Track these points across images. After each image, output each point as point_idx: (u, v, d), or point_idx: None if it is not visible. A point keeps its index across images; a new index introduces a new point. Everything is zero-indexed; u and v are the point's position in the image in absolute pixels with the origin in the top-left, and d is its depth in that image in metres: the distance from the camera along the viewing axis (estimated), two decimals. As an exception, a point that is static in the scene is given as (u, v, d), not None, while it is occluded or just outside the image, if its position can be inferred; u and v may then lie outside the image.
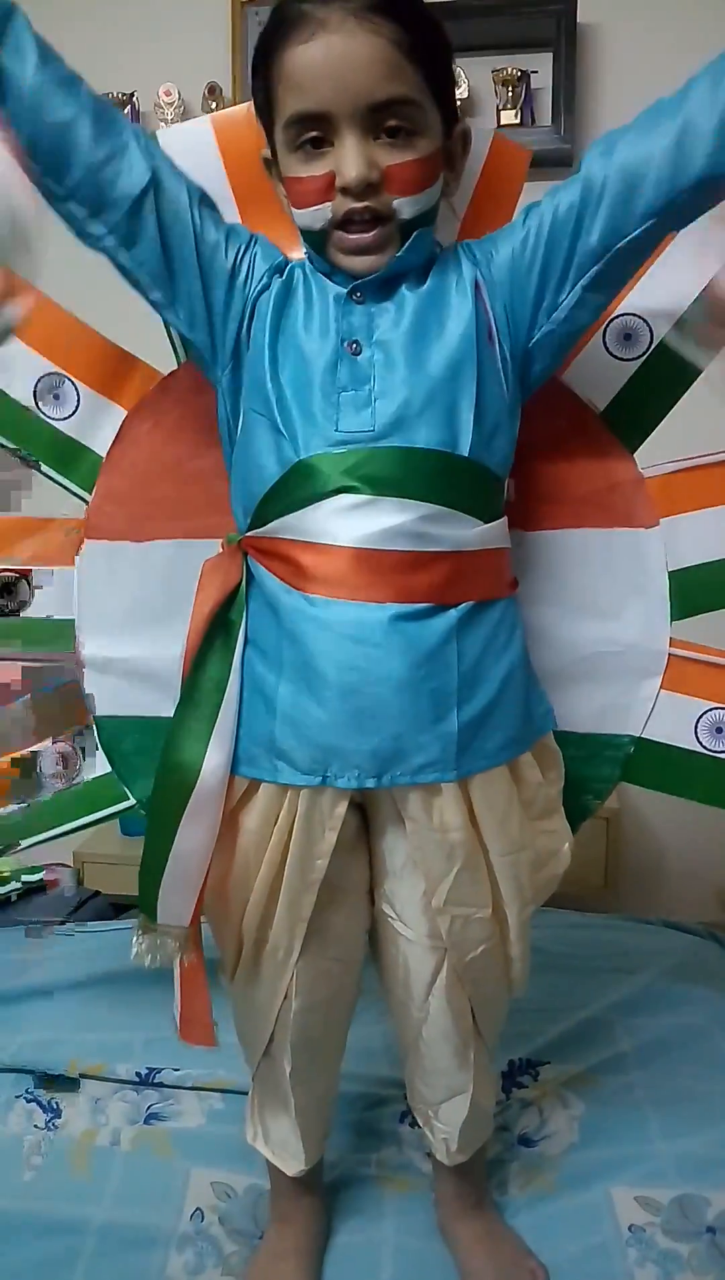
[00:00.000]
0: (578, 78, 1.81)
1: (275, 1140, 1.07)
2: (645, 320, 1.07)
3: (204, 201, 0.91)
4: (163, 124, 1.93)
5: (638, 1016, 1.42)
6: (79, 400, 1.09)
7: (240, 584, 0.91)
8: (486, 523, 0.90)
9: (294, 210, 0.89)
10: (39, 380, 1.08)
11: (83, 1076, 1.33)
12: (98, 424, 1.10)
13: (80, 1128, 1.25)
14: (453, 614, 0.87)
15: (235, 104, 1.92)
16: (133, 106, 1.94)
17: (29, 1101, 1.29)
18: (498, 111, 1.82)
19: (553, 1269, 1.05)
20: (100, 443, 1.12)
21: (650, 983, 1.50)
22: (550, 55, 1.80)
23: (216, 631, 0.91)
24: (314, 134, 0.84)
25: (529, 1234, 1.10)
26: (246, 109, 0.99)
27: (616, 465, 1.07)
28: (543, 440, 1.04)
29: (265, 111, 0.89)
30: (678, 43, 1.81)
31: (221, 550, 0.95)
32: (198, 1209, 1.12)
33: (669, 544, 1.09)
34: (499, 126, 1.82)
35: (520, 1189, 1.16)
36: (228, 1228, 1.11)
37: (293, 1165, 1.06)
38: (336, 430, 0.87)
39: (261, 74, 0.88)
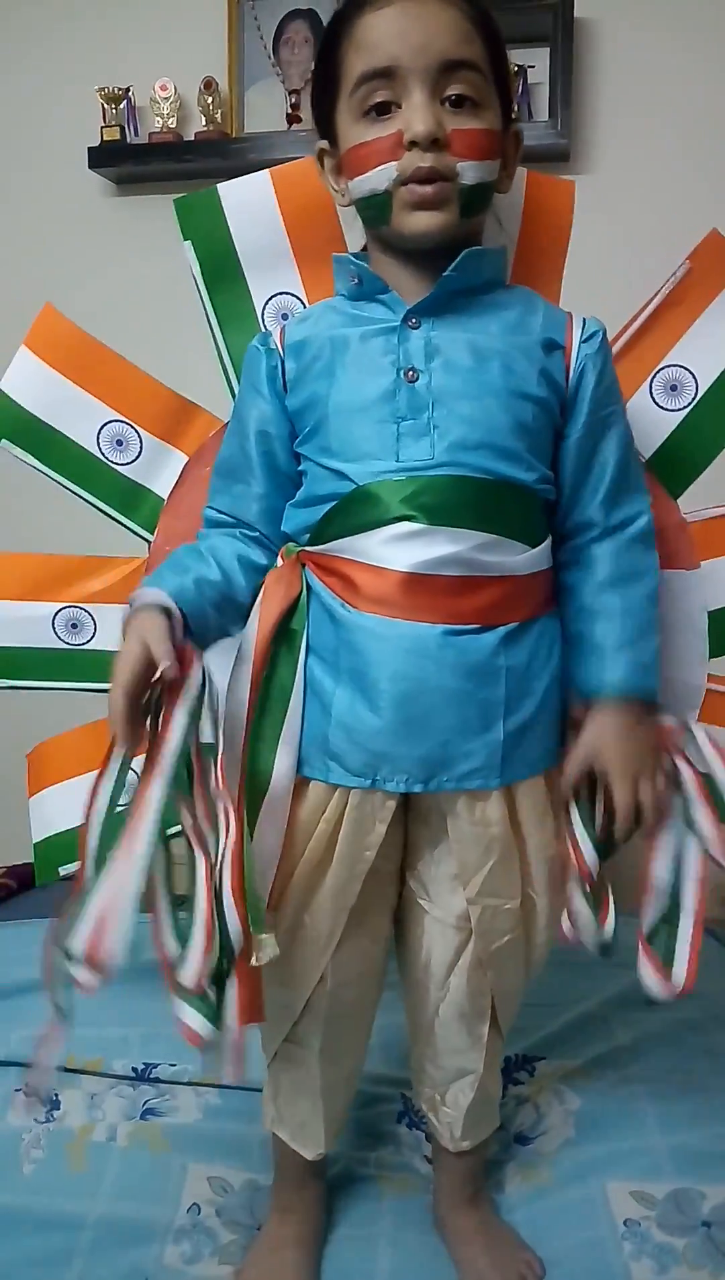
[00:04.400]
0: (575, 73, 1.80)
1: (293, 1123, 1.08)
2: (691, 371, 1.11)
3: (266, 446, 0.96)
4: (159, 118, 1.92)
5: (634, 1011, 1.42)
6: (141, 446, 1.15)
7: (301, 595, 0.93)
8: (534, 547, 0.92)
9: (354, 181, 0.89)
10: (102, 427, 1.14)
11: (80, 1072, 1.33)
12: (159, 468, 1.15)
13: (78, 1122, 1.25)
14: (500, 630, 0.89)
15: (231, 99, 1.92)
16: (129, 101, 1.93)
17: (28, 1095, 1.30)
18: (495, 106, 1.82)
19: (548, 1263, 1.06)
20: (162, 486, 1.17)
21: (646, 978, 1.50)
22: (547, 50, 1.79)
23: (281, 641, 0.93)
24: (381, 97, 0.86)
25: (525, 1228, 1.10)
26: (305, 164, 1.03)
27: (661, 510, 1.09)
28: None
29: (328, 91, 0.91)
30: (674, 38, 1.81)
31: (282, 562, 0.96)
32: (194, 1204, 1.13)
33: (710, 585, 1.14)
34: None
35: (517, 1186, 1.16)
36: (225, 1220, 1.11)
37: (312, 1148, 1.07)
38: (397, 460, 0.88)
39: (328, 50, 0.90)
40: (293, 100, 1.89)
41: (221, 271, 1.10)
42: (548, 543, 0.94)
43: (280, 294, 1.10)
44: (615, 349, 1.09)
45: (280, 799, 0.92)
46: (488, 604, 0.88)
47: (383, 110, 0.86)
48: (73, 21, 1.99)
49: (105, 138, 1.94)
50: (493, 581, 0.89)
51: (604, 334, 0.95)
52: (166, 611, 0.89)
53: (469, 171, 0.86)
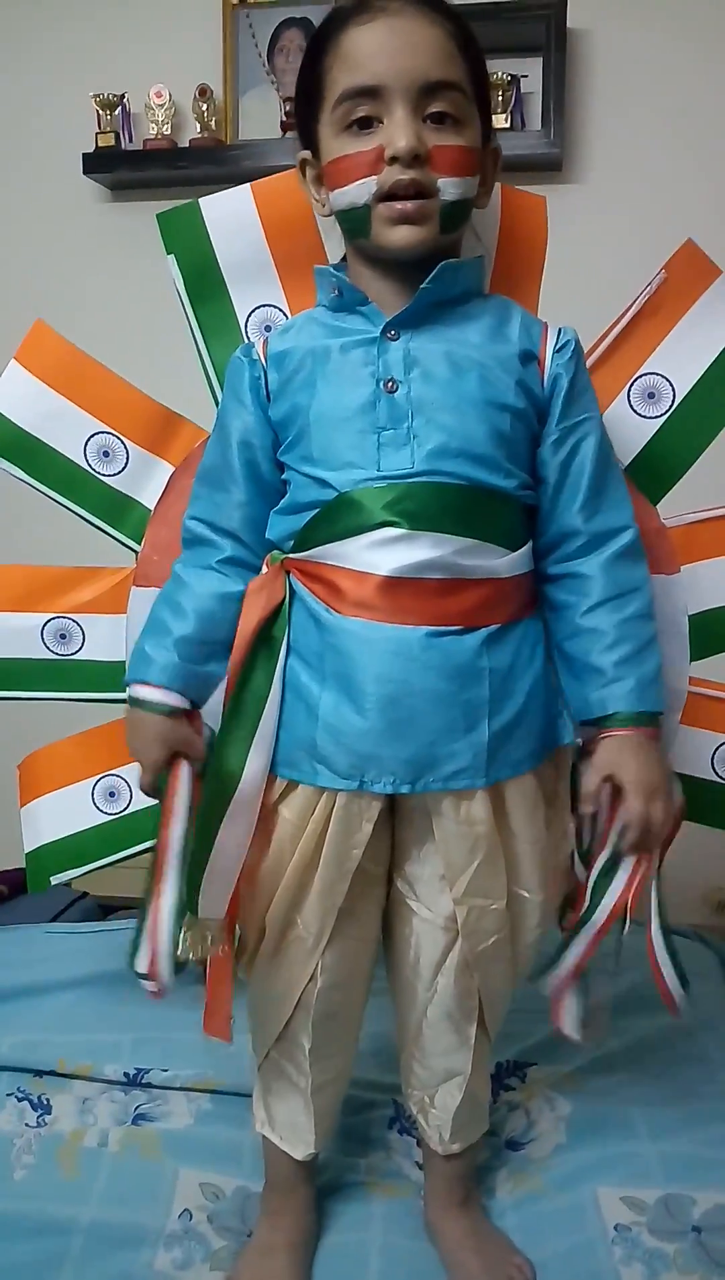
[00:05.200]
0: (567, 82, 1.82)
1: (283, 1124, 1.08)
2: (668, 379, 1.12)
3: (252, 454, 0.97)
4: (154, 125, 1.93)
5: (625, 1018, 1.42)
6: (128, 457, 1.16)
7: (283, 601, 0.94)
8: (514, 551, 0.93)
9: (335, 192, 0.91)
10: (89, 439, 1.15)
11: (71, 1077, 1.33)
12: (145, 479, 1.17)
13: (69, 1127, 1.25)
14: (482, 631, 0.91)
15: (226, 106, 1.93)
16: (124, 108, 1.94)
17: (20, 1100, 1.30)
18: (488, 115, 1.83)
19: (539, 1267, 1.06)
20: (148, 496, 1.19)
21: (637, 984, 1.50)
22: (540, 60, 1.80)
23: (260, 647, 0.94)
24: (364, 112, 0.87)
25: (515, 1233, 1.10)
26: (285, 177, 1.05)
27: (641, 516, 1.08)
28: None
29: (311, 102, 0.92)
30: (667, 47, 1.82)
31: (265, 570, 0.97)
32: (186, 1209, 1.13)
33: (690, 589, 1.15)
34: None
35: (508, 1191, 1.16)
36: (216, 1225, 1.11)
37: (301, 1149, 1.07)
38: (378, 469, 0.90)
39: (313, 62, 0.91)
40: (287, 108, 1.90)
41: (204, 284, 1.11)
42: (528, 547, 0.96)
43: (263, 306, 1.12)
44: (593, 357, 1.11)
45: (249, 800, 0.93)
46: (470, 606, 0.90)
47: (365, 125, 0.88)
48: (68, 27, 2.00)
49: (100, 144, 1.94)
50: (474, 584, 0.90)
51: (576, 343, 0.96)
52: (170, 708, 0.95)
53: (449, 188, 0.88)
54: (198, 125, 1.92)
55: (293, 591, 0.94)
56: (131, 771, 1.17)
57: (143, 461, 1.16)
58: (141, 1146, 1.22)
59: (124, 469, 1.16)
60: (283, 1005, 1.02)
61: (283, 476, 0.97)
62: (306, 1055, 1.04)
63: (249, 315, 1.12)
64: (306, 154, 0.97)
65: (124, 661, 1.17)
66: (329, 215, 0.96)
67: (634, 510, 0.99)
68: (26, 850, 1.29)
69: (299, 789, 0.95)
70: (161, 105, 1.92)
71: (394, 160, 0.86)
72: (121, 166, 1.96)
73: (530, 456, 0.95)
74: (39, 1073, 1.34)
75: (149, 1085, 1.32)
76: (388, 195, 0.88)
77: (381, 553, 0.89)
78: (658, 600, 1.05)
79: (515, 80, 1.82)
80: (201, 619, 0.96)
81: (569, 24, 1.79)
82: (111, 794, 1.25)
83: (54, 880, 1.27)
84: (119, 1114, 1.28)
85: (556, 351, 0.95)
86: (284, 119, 1.90)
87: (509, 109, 1.81)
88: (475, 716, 0.90)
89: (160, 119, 1.93)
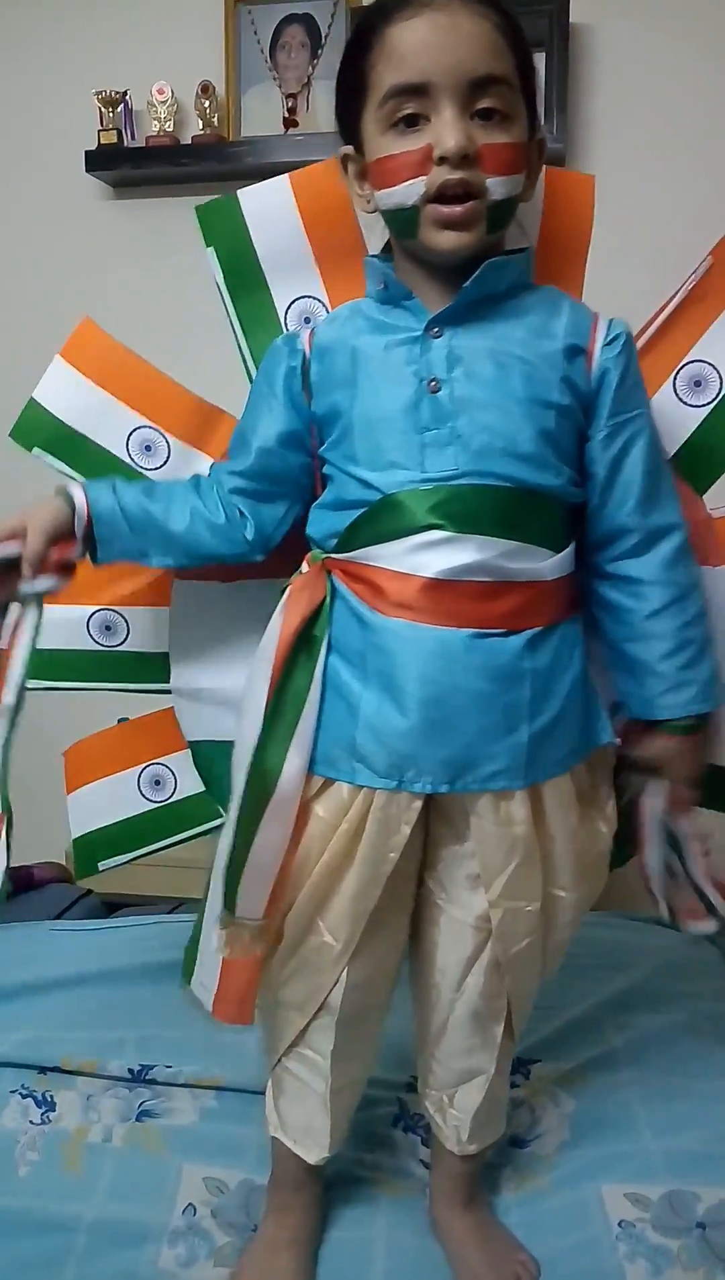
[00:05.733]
0: (570, 77, 1.81)
1: (297, 1128, 1.08)
2: (715, 367, 1.09)
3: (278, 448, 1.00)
4: (156, 122, 1.93)
5: (628, 1014, 1.42)
6: (169, 451, 1.15)
7: (324, 601, 0.94)
8: (559, 553, 0.93)
9: (382, 192, 0.90)
10: (131, 433, 1.14)
11: (76, 1073, 1.33)
12: (187, 472, 1.13)
13: (73, 1124, 1.25)
14: (525, 634, 0.90)
15: (228, 102, 1.92)
16: (126, 105, 1.94)
17: (24, 1097, 1.30)
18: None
19: (544, 1264, 1.06)
20: None
21: (640, 980, 1.50)
22: (543, 55, 1.80)
23: (302, 646, 0.94)
24: (410, 110, 0.86)
25: (520, 1230, 1.10)
26: (323, 167, 1.04)
27: (687, 507, 1.07)
28: None
29: (354, 98, 0.91)
30: (670, 42, 1.82)
31: (307, 568, 0.97)
32: (190, 1204, 1.13)
33: None
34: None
35: (512, 1188, 1.17)
36: (220, 1221, 1.11)
37: (315, 1153, 1.07)
38: (422, 470, 0.89)
39: (355, 57, 0.90)
40: (289, 104, 1.90)
41: (244, 277, 1.11)
42: (572, 548, 0.95)
43: (302, 298, 1.11)
44: (637, 346, 1.07)
45: (288, 799, 0.93)
46: (513, 609, 0.90)
47: (411, 123, 0.86)
48: (70, 25, 2.00)
49: (102, 141, 1.94)
50: (518, 587, 0.90)
51: (627, 336, 0.95)
52: (73, 504, 0.98)
53: (498, 187, 0.87)
54: (200, 122, 1.92)
55: (335, 590, 0.94)
56: (177, 760, 1.23)
57: (183, 455, 1.15)
58: (145, 1142, 1.22)
59: (165, 463, 1.15)
60: (303, 1010, 1.02)
61: (324, 470, 0.97)
62: (327, 1058, 1.03)
63: (288, 307, 1.11)
64: (349, 149, 0.95)
65: (167, 653, 1.20)
66: (373, 212, 0.95)
67: (682, 501, 0.99)
68: (74, 836, 1.29)
69: (335, 787, 0.94)
70: (164, 102, 1.92)
71: (443, 160, 0.85)
72: (124, 164, 1.95)
73: (577, 453, 0.94)
74: (43, 1069, 1.34)
75: (153, 1082, 1.32)
76: (436, 197, 0.86)
77: (426, 555, 0.88)
78: (706, 592, 1.04)
79: (518, 76, 1.82)
80: (168, 507, 1.01)
81: (572, 19, 1.78)
82: (157, 782, 1.25)
83: (102, 866, 1.28)
84: (123, 1110, 1.28)
85: (606, 345, 0.93)
86: (286, 115, 1.90)
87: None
88: (516, 718, 0.90)
89: (162, 116, 1.92)
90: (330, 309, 1.08)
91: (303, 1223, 1.08)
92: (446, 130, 0.84)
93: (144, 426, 1.14)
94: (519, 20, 0.89)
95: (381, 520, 0.91)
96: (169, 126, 1.92)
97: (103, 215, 2.03)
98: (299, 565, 1.00)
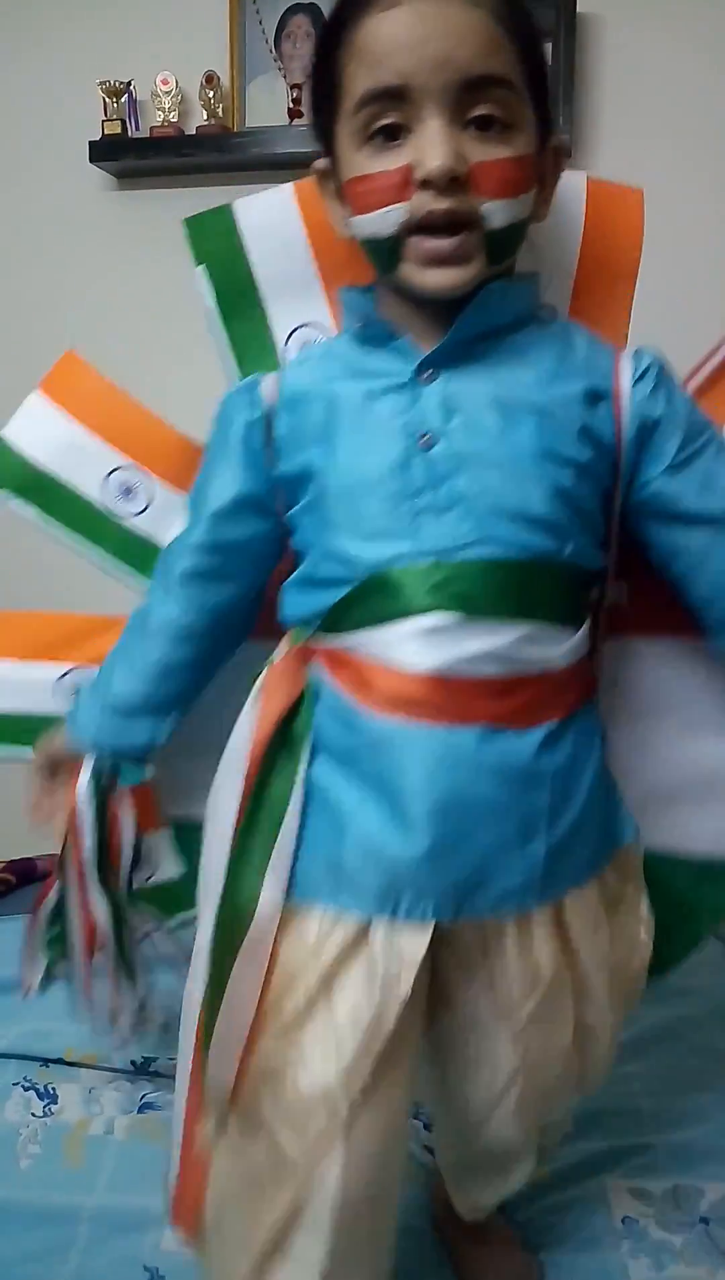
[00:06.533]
0: (577, 69, 1.80)
1: None
2: None
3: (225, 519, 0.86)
4: (160, 112, 1.92)
5: (634, 1009, 1.42)
6: (152, 495, 1.03)
7: (306, 693, 0.80)
8: (578, 630, 0.80)
9: (357, 219, 0.76)
10: (110, 474, 1.02)
11: (78, 1065, 1.33)
12: (171, 520, 0.99)
13: (75, 1116, 1.25)
14: (541, 729, 0.77)
15: (233, 93, 1.91)
16: (130, 94, 1.93)
17: (26, 1090, 1.30)
18: (497, 102, 1.82)
19: (546, 1260, 1.06)
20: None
21: (645, 975, 1.50)
22: (550, 46, 1.79)
23: (280, 746, 0.79)
24: (389, 120, 0.71)
25: (523, 1226, 1.10)
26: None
27: None
28: None
29: (327, 105, 0.77)
30: (678, 34, 1.80)
31: (287, 652, 0.84)
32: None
33: None
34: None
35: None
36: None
37: None
38: (417, 541, 0.75)
39: (325, 56, 0.75)
40: (295, 94, 1.89)
41: (239, 299, 0.97)
42: (588, 625, 0.82)
43: (305, 325, 0.98)
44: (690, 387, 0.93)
45: (263, 935, 0.77)
46: (528, 702, 0.77)
47: (391, 135, 0.71)
48: (74, 15, 1.99)
49: (106, 131, 1.93)
50: (532, 679, 0.77)
51: (660, 366, 0.80)
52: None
53: (497, 213, 0.72)
54: (204, 112, 1.90)
55: (318, 681, 0.81)
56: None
57: (167, 501, 1.02)
58: (147, 1134, 1.22)
59: (146, 508, 1.02)
60: (277, 1199, 0.76)
61: (294, 543, 0.84)
62: (320, 1267, 0.76)
63: (290, 335, 0.98)
64: (324, 163, 0.80)
65: None
66: (351, 239, 0.80)
67: None
68: None
69: (313, 912, 0.77)
70: (168, 92, 1.91)
71: (426, 184, 0.70)
72: (128, 154, 1.94)
73: (602, 516, 0.81)
74: (46, 1062, 1.34)
75: (156, 1074, 1.32)
76: (419, 227, 0.72)
77: (428, 644, 0.74)
78: None
79: (524, 66, 1.81)
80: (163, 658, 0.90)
81: (579, 9, 1.77)
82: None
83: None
84: (125, 1103, 1.28)
85: (637, 383, 0.79)
86: (291, 105, 1.89)
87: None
88: (532, 828, 0.77)
89: (167, 106, 1.91)
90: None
91: None
92: (430, 146, 0.69)
93: (124, 467, 1.02)
94: (525, 6, 0.74)
95: (372, 603, 0.76)
96: (173, 117, 1.91)
97: (107, 206, 2.02)
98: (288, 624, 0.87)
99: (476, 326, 0.76)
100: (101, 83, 1.90)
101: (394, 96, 0.70)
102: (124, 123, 1.93)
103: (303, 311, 0.97)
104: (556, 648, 0.78)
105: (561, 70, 1.78)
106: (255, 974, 0.77)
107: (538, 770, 0.77)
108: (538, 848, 0.77)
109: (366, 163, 0.73)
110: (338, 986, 0.76)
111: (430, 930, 0.76)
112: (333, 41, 0.74)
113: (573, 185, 0.90)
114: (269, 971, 0.77)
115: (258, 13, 1.90)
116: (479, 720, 0.75)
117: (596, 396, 0.78)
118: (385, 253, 0.75)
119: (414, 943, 0.76)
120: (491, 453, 0.75)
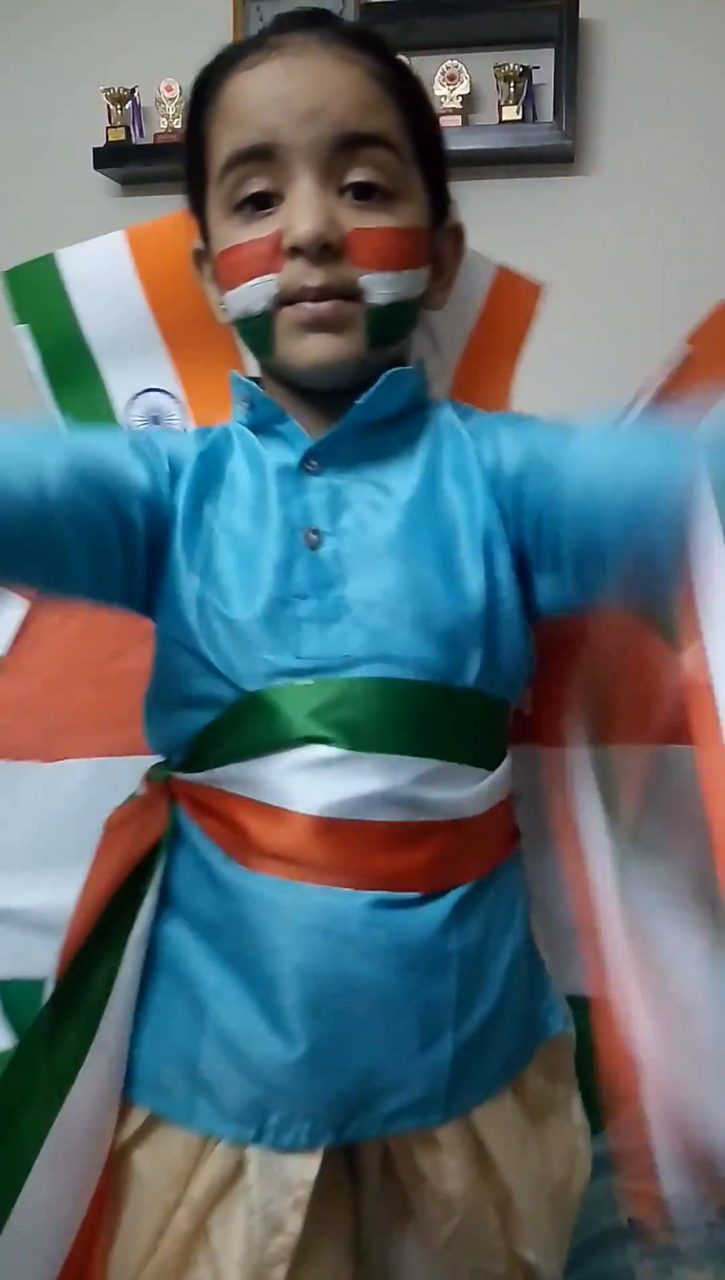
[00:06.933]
0: (580, 73, 1.81)
1: None
2: None
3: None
4: (164, 119, 1.93)
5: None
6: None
7: (160, 843, 0.68)
8: (493, 770, 0.68)
9: (227, 296, 0.68)
10: (142, 392, 0.87)
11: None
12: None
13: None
14: (449, 896, 0.64)
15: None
16: (134, 101, 1.94)
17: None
18: (499, 107, 1.82)
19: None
20: None
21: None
22: (552, 51, 1.79)
23: (122, 903, 0.67)
24: (258, 187, 0.64)
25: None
26: (172, 221, 0.80)
27: (657, 674, 0.75)
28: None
29: (196, 175, 0.70)
30: (680, 39, 1.81)
31: (139, 793, 0.72)
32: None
33: None
34: (501, 122, 1.82)
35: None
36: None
37: None
38: (296, 657, 0.64)
39: (193, 125, 0.69)
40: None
41: (68, 363, 0.85)
42: (507, 764, 0.69)
43: (149, 391, 0.86)
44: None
45: (79, 1136, 0.63)
46: (433, 859, 0.64)
47: (261, 203, 0.64)
48: (78, 22, 2.00)
49: (110, 138, 1.95)
50: (439, 827, 0.64)
51: (474, 416, 0.73)
52: None
53: (378, 287, 0.64)
54: (208, 119, 1.92)
55: (179, 828, 0.68)
56: None
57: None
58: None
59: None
60: None
61: (157, 625, 0.70)
62: None
63: (131, 401, 0.86)
64: (199, 243, 0.72)
65: None
66: (230, 324, 0.71)
67: (651, 665, 0.70)
68: None
69: (168, 1130, 0.65)
70: (172, 99, 1.92)
71: (296, 251, 0.62)
72: (132, 161, 1.95)
73: (520, 631, 0.68)
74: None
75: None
76: (291, 300, 0.64)
77: (309, 781, 0.62)
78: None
79: (527, 72, 1.81)
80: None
81: (581, 15, 1.78)
82: None
83: None
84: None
85: (478, 439, 0.70)
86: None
87: (521, 101, 1.81)
88: (436, 1026, 0.63)
89: (171, 113, 1.92)
90: (187, 403, 0.85)
91: None
92: (298, 209, 0.62)
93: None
94: (407, 66, 0.67)
95: (243, 729, 0.64)
96: (177, 123, 1.92)
97: (111, 212, 2.03)
98: (137, 736, 0.73)
99: (370, 414, 0.67)
100: (106, 89, 1.92)
101: (261, 156, 0.63)
102: (128, 129, 1.94)
103: (144, 376, 0.86)
104: (466, 789, 0.66)
105: (564, 75, 1.79)
106: (69, 1184, 0.63)
107: (443, 951, 0.64)
108: (442, 1051, 0.64)
109: (234, 233, 0.66)
110: (215, 1223, 0.64)
111: (319, 1156, 0.63)
112: (199, 104, 0.68)
113: (481, 271, 0.82)
114: (111, 1194, 0.65)
115: (262, 19, 1.91)
116: (370, 881, 0.62)
117: (495, 473, 0.68)
118: (258, 331, 0.67)
119: (301, 1171, 0.62)
120: (389, 555, 0.65)
